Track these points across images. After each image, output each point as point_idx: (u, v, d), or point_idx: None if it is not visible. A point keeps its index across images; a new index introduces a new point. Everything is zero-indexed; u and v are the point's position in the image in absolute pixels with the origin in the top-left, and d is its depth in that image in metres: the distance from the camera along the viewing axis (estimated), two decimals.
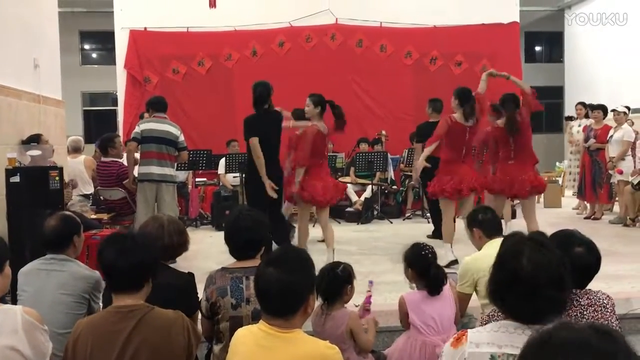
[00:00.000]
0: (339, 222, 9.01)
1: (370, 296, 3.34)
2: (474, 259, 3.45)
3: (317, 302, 3.12)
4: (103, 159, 6.50)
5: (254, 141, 5.54)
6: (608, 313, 2.24)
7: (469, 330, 1.86)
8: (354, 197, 9.39)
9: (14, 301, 2.94)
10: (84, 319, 2.44)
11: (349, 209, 9.25)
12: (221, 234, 3.14)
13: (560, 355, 1.16)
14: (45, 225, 3.17)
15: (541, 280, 1.76)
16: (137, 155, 6.23)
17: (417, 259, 3.26)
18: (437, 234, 6.98)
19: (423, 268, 3.21)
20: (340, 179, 9.75)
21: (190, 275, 3.01)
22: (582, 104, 9.73)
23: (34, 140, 5.87)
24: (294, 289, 2.09)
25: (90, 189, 7.24)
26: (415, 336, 3.19)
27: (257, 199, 5.58)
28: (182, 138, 6.27)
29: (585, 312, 2.23)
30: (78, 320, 2.41)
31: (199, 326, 3.02)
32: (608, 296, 2.33)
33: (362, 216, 8.99)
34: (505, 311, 1.82)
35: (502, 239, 3.52)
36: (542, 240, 1.90)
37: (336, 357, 2.10)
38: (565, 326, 1.23)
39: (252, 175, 5.74)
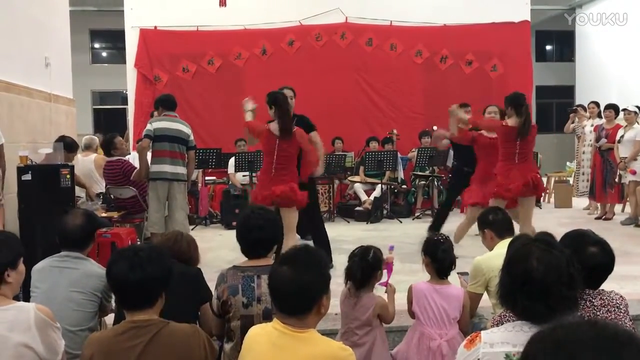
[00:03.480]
0: (348, 222, 9.00)
1: (391, 263, 3.38)
2: (485, 258, 3.44)
3: (344, 285, 3.22)
4: (109, 159, 6.53)
5: None
6: (622, 314, 2.22)
7: (482, 331, 1.85)
8: (363, 197, 9.39)
9: (27, 298, 2.95)
10: (95, 334, 2.33)
11: (358, 208, 9.24)
12: (230, 232, 3.16)
13: (563, 351, 1.15)
14: (69, 223, 3.13)
15: (552, 280, 1.76)
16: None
17: (429, 244, 3.38)
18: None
19: (433, 251, 3.32)
20: (349, 178, 9.77)
21: (198, 269, 3.06)
22: (595, 103, 9.66)
23: (70, 144, 5.94)
24: (308, 288, 2.08)
25: (100, 188, 7.26)
26: (415, 327, 3.26)
27: None
28: (192, 137, 6.29)
29: (598, 313, 2.21)
30: (89, 336, 2.32)
31: (210, 315, 3.03)
32: (621, 296, 2.31)
33: (372, 215, 8.98)
34: (518, 314, 1.81)
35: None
36: (550, 241, 1.90)
37: (350, 359, 2.09)
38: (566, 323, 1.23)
39: None
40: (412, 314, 3.33)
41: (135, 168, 6.36)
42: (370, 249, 3.27)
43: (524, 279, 1.78)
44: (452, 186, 7.64)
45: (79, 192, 6.73)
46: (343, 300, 3.23)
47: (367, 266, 3.19)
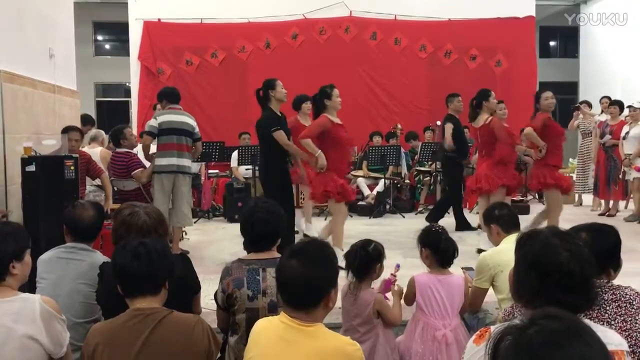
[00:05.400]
0: (351, 216, 8.96)
1: (391, 280, 3.37)
2: (491, 253, 3.43)
3: (346, 281, 3.18)
4: (118, 150, 6.51)
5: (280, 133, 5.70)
6: (634, 310, 2.19)
7: (491, 326, 1.83)
8: (366, 191, 9.36)
9: (32, 289, 2.95)
10: (98, 324, 2.35)
11: (361, 203, 9.22)
12: (233, 225, 3.15)
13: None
14: (81, 215, 3.12)
15: (589, 272, 1.77)
16: (153, 148, 6.23)
17: (428, 235, 3.36)
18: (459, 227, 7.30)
19: (435, 242, 3.30)
20: (352, 173, 9.75)
21: (184, 257, 3.01)
22: (607, 97, 9.54)
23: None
24: (316, 282, 2.07)
25: None
26: (418, 316, 3.25)
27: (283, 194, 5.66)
28: (197, 129, 6.28)
29: (608, 308, 2.18)
30: (92, 327, 2.33)
31: (201, 305, 3.03)
32: (638, 293, 2.28)
33: (374, 210, 8.97)
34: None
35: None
36: (569, 232, 1.89)
37: (357, 354, 2.08)
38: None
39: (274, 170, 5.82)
40: (409, 302, 3.33)
41: (141, 165, 6.33)
42: (372, 242, 3.29)
43: (559, 273, 1.75)
44: (456, 179, 7.68)
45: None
46: (343, 297, 3.21)
47: (366, 255, 3.18)
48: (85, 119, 7.92)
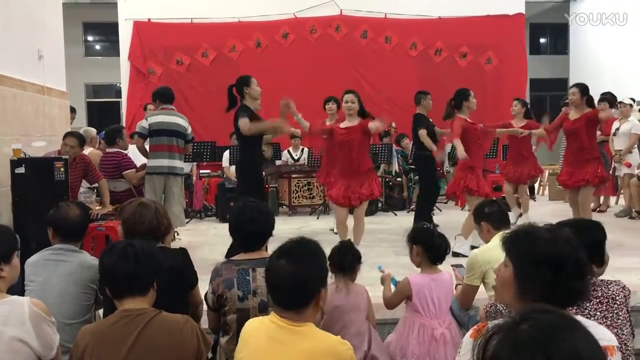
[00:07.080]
0: None
1: None
2: (482, 250, 3.44)
3: (331, 281, 3.15)
4: (108, 150, 6.46)
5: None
6: (616, 305, 2.19)
7: (489, 321, 1.83)
8: None
9: (21, 292, 2.93)
10: (88, 326, 2.36)
11: None
12: (225, 225, 3.13)
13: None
14: (67, 215, 3.11)
15: (584, 259, 1.77)
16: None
17: (420, 233, 3.35)
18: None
19: (427, 239, 3.28)
20: None
21: (183, 250, 3.01)
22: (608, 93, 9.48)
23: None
24: (306, 282, 2.07)
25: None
26: (412, 318, 3.22)
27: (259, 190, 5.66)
28: (189, 130, 6.26)
29: (588, 304, 2.19)
30: (81, 328, 2.34)
31: (201, 296, 3.03)
32: (622, 287, 2.28)
33: (366, 208, 8.93)
34: (556, 300, 1.75)
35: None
36: (554, 226, 1.89)
37: (348, 353, 2.08)
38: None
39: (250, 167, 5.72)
40: (394, 304, 3.35)
41: (132, 165, 6.30)
42: (353, 244, 3.41)
43: (570, 263, 1.73)
44: (429, 174, 7.37)
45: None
46: (333, 297, 3.10)
47: (349, 252, 3.24)
48: None
